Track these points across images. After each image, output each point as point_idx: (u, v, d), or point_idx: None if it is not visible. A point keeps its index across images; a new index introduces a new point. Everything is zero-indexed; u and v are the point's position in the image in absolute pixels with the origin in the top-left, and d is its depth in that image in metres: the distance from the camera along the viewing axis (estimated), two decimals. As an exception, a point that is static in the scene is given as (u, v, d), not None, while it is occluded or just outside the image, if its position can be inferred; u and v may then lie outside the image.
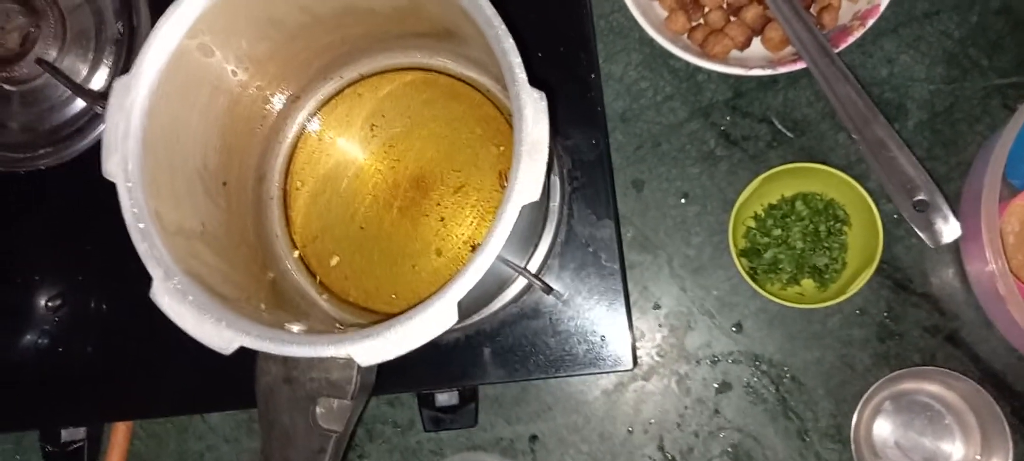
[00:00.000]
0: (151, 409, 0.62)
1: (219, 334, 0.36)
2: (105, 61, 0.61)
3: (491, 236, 0.34)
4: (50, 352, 0.62)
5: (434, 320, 0.34)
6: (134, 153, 0.38)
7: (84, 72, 0.61)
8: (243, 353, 0.38)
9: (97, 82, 0.62)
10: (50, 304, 0.62)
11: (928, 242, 0.53)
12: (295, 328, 0.39)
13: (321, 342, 0.35)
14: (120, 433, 0.64)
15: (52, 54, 0.60)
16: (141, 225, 0.37)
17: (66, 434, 0.62)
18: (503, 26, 0.35)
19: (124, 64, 0.61)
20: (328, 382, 0.37)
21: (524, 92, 0.34)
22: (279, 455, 0.39)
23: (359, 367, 0.36)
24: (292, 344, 0.36)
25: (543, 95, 0.35)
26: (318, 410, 0.38)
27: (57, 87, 0.60)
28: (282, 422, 0.39)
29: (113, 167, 0.38)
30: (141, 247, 0.37)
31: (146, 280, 0.39)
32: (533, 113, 0.34)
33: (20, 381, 0.63)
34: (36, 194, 0.63)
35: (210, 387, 0.58)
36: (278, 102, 0.50)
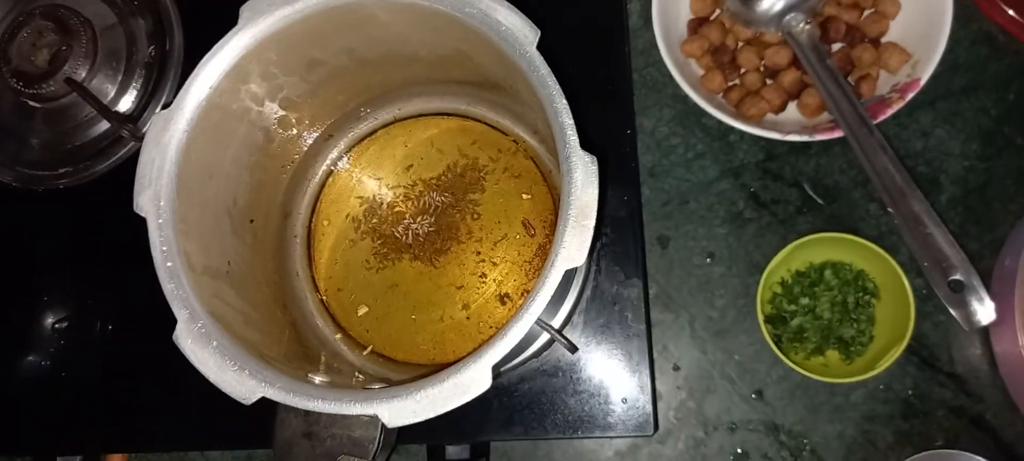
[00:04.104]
0: (153, 442, 0.60)
1: (242, 383, 0.34)
2: (134, 84, 0.61)
3: (534, 299, 0.33)
4: (52, 375, 0.60)
5: (468, 384, 0.33)
6: (167, 189, 0.37)
7: (112, 93, 0.60)
8: (259, 399, 0.37)
9: (124, 104, 0.61)
10: (57, 325, 0.61)
11: (962, 324, 0.52)
12: (317, 379, 0.38)
13: (347, 398, 0.34)
14: (117, 462, 0.62)
15: (81, 74, 0.59)
16: (169, 264, 0.36)
17: (61, 462, 0.60)
18: (557, 86, 0.35)
19: (153, 88, 0.60)
20: (350, 439, 0.36)
21: (575, 155, 0.34)
22: (294, 511, 0.38)
23: (384, 427, 0.35)
24: (317, 398, 0.34)
25: (594, 159, 0.34)
26: (337, 469, 0.36)
27: (83, 107, 0.59)
28: (299, 477, 0.37)
29: (146, 202, 0.37)
30: (168, 287, 0.36)
31: (158, 309, 0.37)
32: (583, 176, 0.33)
33: (18, 403, 0.61)
34: (52, 213, 0.62)
35: (215, 424, 0.56)
36: (310, 139, 0.49)
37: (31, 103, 0.61)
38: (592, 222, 0.33)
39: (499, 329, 0.35)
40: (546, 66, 0.35)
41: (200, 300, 0.36)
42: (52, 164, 0.61)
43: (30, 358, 0.61)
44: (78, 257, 0.62)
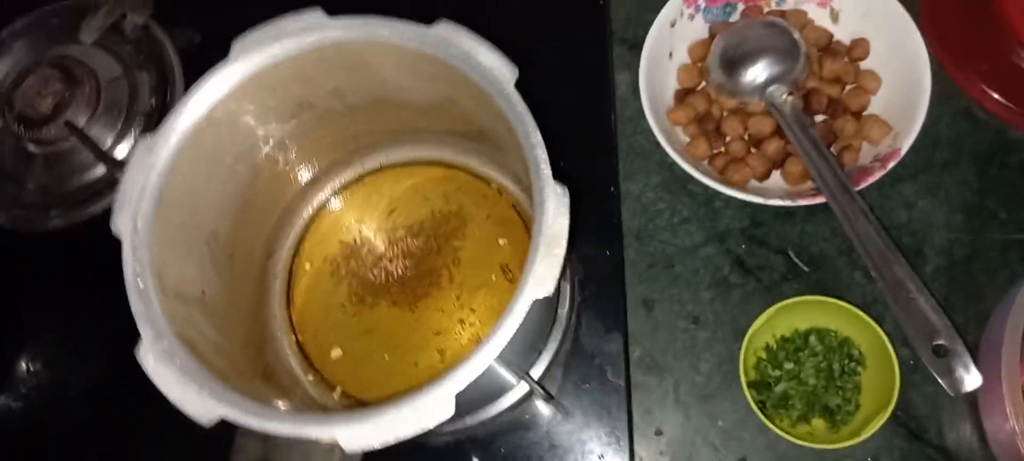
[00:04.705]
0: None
1: (202, 402, 0.34)
2: (132, 132, 0.62)
3: (499, 327, 0.33)
4: (23, 418, 0.59)
5: (429, 409, 0.32)
6: (146, 212, 0.37)
7: (110, 142, 0.62)
8: (228, 435, 0.36)
9: (121, 152, 0.62)
10: (32, 367, 0.60)
11: (947, 389, 0.51)
12: (281, 405, 0.37)
13: (306, 421, 0.33)
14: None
15: (82, 121, 0.61)
16: (140, 283, 0.36)
17: (25, 509, 0.59)
18: (532, 122, 0.36)
19: (151, 134, 0.62)
20: (309, 469, 0.35)
21: (548, 186, 0.34)
22: (248, 546, 0.36)
23: (343, 454, 0.34)
24: (275, 420, 0.34)
25: (566, 190, 0.34)
26: (294, 500, 0.35)
27: (80, 152, 0.60)
28: (255, 509, 0.36)
29: (122, 224, 0.37)
30: (136, 306, 0.36)
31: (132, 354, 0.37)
32: (555, 206, 0.34)
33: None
34: (39, 254, 0.62)
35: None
36: (298, 181, 0.50)
37: (31, 148, 0.62)
38: (562, 251, 0.34)
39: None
40: (523, 103, 0.37)
41: (169, 322, 0.36)
42: (44, 207, 0.62)
43: (1, 399, 0.60)
44: (61, 300, 0.62)
